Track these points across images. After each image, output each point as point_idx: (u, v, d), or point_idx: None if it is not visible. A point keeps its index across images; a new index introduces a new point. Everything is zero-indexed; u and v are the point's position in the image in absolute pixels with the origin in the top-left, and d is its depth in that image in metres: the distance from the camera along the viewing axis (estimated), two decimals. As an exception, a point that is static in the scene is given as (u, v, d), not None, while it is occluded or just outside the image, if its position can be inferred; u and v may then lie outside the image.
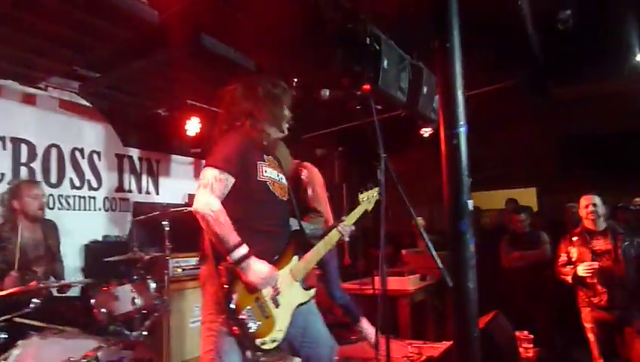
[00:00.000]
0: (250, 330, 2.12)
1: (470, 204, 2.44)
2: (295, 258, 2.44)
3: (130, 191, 5.93)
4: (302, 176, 3.95)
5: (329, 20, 3.55)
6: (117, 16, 3.65)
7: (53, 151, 5.13)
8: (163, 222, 3.65)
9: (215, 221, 2.12)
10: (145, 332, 3.42)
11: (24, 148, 4.86)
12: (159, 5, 3.54)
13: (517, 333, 3.98)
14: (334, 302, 4.25)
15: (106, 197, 5.62)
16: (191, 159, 6.84)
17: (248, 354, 2.20)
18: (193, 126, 5.72)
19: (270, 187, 2.40)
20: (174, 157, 6.62)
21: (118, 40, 4.07)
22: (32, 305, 3.10)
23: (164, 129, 5.93)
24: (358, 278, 5.84)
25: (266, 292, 2.25)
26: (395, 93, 4.06)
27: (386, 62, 3.74)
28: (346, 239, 2.64)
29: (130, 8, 3.48)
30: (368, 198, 2.78)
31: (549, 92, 6.50)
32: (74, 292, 4.32)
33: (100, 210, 5.53)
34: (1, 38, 3.91)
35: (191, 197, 6.42)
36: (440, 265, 2.27)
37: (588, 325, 4.12)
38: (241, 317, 2.11)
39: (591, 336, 4.12)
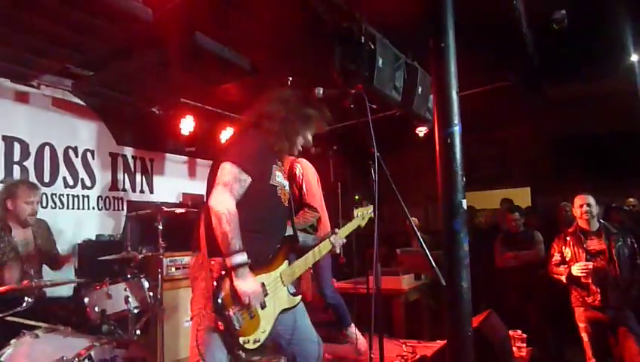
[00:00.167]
0: (235, 328, 2.13)
1: (464, 203, 2.45)
2: (286, 262, 2.46)
3: (124, 190, 5.91)
4: (296, 172, 3.96)
5: (324, 19, 3.55)
6: (111, 15, 3.63)
7: (47, 150, 5.10)
8: (156, 222, 3.64)
9: (228, 222, 2.13)
10: (138, 331, 3.40)
11: (17, 146, 4.83)
12: (153, 3, 3.52)
13: (510, 332, 3.99)
14: (325, 301, 4.26)
15: (100, 196, 5.60)
16: (185, 158, 6.82)
17: (236, 352, 2.21)
18: (187, 125, 5.70)
19: (278, 192, 2.43)
20: (168, 155, 6.61)
21: (111, 38, 4.06)
22: (24, 304, 3.08)
23: (159, 128, 5.91)
24: (352, 277, 5.84)
25: None
26: (389, 93, 4.06)
27: (380, 62, 3.75)
28: (337, 251, 2.69)
29: (124, 6, 3.46)
30: (362, 215, 2.86)
31: (544, 92, 6.53)
32: (67, 291, 4.30)
33: (93, 208, 5.51)
34: (-6, 36, 3.89)
35: (185, 196, 6.41)
36: (433, 265, 2.27)
37: (581, 324, 4.14)
38: (227, 313, 2.12)
39: (584, 336, 4.13)
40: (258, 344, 2.23)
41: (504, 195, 7.18)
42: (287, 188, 2.52)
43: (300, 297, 2.51)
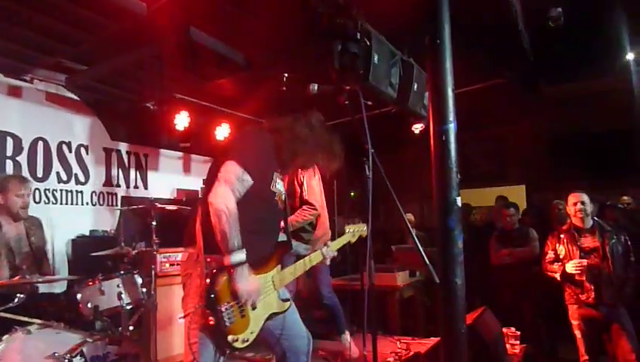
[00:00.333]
0: (225, 324, 2.12)
1: (459, 200, 2.44)
2: (278, 267, 2.47)
3: (118, 185, 5.88)
4: (299, 171, 3.97)
5: (319, 15, 3.53)
6: (104, 8, 3.60)
7: (40, 145, 5.07)
8: (150, 217, 3.62)
9: (227, 220, 2.12)
10: (131, 328, 3.39)
11: (10, 141, 4.80)
12: (147, -3, 3.50)
13: (504, 329, 4.00)
14: (321, 300, 4.27)
15: (94, 192, 5.57)
16: (180, 153, 6.80)
17: (225, 350, 2.21)
18: (182, 120, 5.68)
19: (277, 198, 2.45)
20: (163, 151, 6.58)
21: (105, 32, 4.02)
22: (16, 300, 3.06)
23: (153, 123, 5.89)
24: (347, 274, 5.85)
25: None
26: (385, 89, 4.04)
27: (376, 58, 3.72)
28: (327, 262, 2.78)
29: (118, 0, 3.43)
30: (353, 232, 3.01)
31: (540, 90, 6.54)
32: (60, 287, 4.28)
33: (87, 204, 5.48)
34: (-14, 29, 3.86)
35: (180, 192, 6.39)
36: (427, 261, 2.27)
37: (575, 322, 4.15)
38: (219, 308, 2.11)
39: (578, 333, 4.14)
40: (246, 344, 2.22)
41: (500, 193, 7.19)
42: (284, 195, 2.54)
43: (289, 303, 2.52)
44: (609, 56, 5.68)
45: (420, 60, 4.24)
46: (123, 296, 3.37)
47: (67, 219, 5.14)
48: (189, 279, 2.31)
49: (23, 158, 4.88)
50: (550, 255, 4.24)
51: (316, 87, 2.48)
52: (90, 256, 3.75)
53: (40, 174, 5.03)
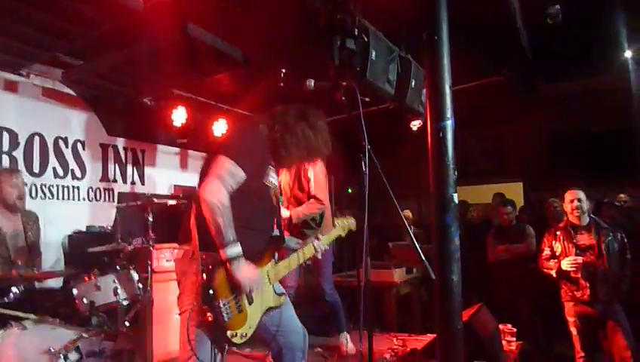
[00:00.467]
0: (224, 320, 2.12)
1: (455, 197, 2.44)
2: (273, 261, 2.47)
3: (114, 181, 5.86)
4: (306, 166, 4.01)
5: (317, 10, 3.52)
6: (101, 3, 3.58)
7: (36, 140, 5.04)
8: (147, 213, 3.60)
9: (221, 214, 2.13)
10: (127, 323, 3.38)
11: (6, 136, 4.77)
12: (144, -7, 3.48)
13: (500, 326, 4.01)
14: (323, 296, 4.29)
15: (90, 187, 5.55)
16: (177, 149, 6.78)
17: (224, 345, 2.21)
18: (179, 116, 5.66)
19: (270, 192, 2.45)
20: (160, 147, 6.56)
21: (102, 27, 4.00)
22: (11, 295, 3.06)
23: (150, 119, 5.86)
24: (344, 271, 5.85)
25: None
26: (382, 86, 4.04)
27: (374, 54, 3.72)
28: (319, 256, 2.77)
29: (114, -5, 3.42)
30: (343, 225, 3.01)
31: (538, 88, 6.54)
32: (56, 282, 4.27)
33: (83, 199, 5.47)
34: (-19, 24, 3.83)
35: (177, 188, 6.38)
36: (423, 258, 2.26)
37: (571, 319, 4.16)
38: (217, 304, 2.11)
39: (573, 330, 4.16)
40: (245, 339, 2.23)
41: (497, 190, 7.20)
42: (277, 189, 2.54)
43: (284, 297, 2.53)
44: (607, 55, 5.68)
45: (418, 57, 4.24)
46: (119, 291, 3.36)
47: (63, 215, 5.13)
48: (184, 276, 2.30)
49: (19, 153, 4.86)
50: (546, 252, 4.25)
51: (313, 83, 2.47)
52: (87, 251, 3.73)
53: (36, 169, 5.01)
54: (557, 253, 4.16)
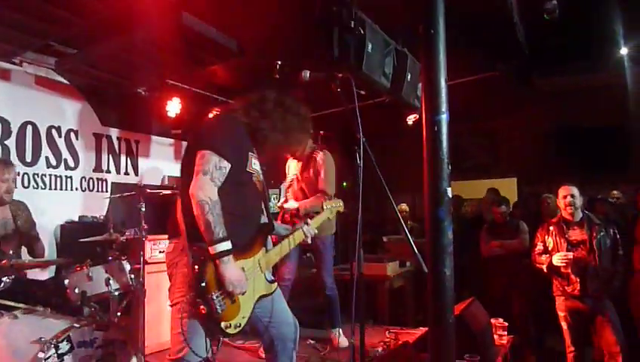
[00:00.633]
0: (217, 312, 2.12)
1: (449, 191, 2.44)
2: (263, 249, 2.47)
3: (108, 171, 5.83)
4: (317, 158, 4.11)
5: (314, 2, 3.49)
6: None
7: (29, 129, 5.00)
8: (140, 204, 3.59)
9: (210, 210, 2.12)
10: (119, 314, 3.37)
11: (-2, 124, 4.73)
12: (139, -20, 3.44)
13: (492, 320, 4.03)
14: (324, 289, 4.32)
15: (83, 177, 5.52)
16: (171, 140, 6.74)
17: (218, 337, 2.21)
18: (174, 107, 5.62)
19: (254, 179, 2.43)
20: (154, 138, 6.52)
21: (95, 15, 3.96)
22: (2, 284, 3.04)
23: (145, 109, 5.82)
24: (337, 264, 5.85)
25: None
26: (378, 79, 4.03)
27: (370, 47, 3.70)
28: (308, 241, 2.77)
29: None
30: (331, 208, 3.00)
31: (534, 83, 6.54)
32: (48, 272, 4.25)
33: (76, 189, 5.43)
34: (-27, 10, 3.77)
35: (170, 179, 6.35)
36: (416, 251, 2.26)
37: (561, 313, 4.19)
38: (210, 296, 2.10)
39: (564, 325, 4.19)
40: (239, 329, 2.23)
41: (491, 185, 7.22)
42: (261, 176, 2.53)
43: (276, 284, 2.53)
44: (603, 51, 5.68)
45: (415, 50, 4.23)
46: (111, 281, 3.35)
47: (56, 205, 5.10)
48: (175, 268, 2.30)
49: (11, 142, 4.82)
50: (539, 247, 4.27)
51: (308, 75, 2.46)
52: (79, 241, 3.71)
53: (29, 159, 4.97)
54: (549, 248, 4.19)
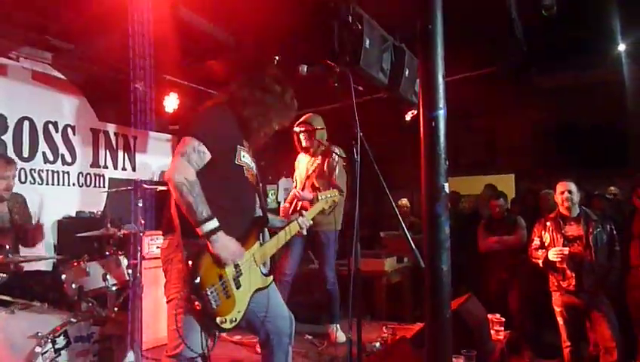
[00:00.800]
0: (212, 307, 2.12)
1: (446, 186, 2.44)
2: (258, 243, 2.47)
3: (105, 167, 5.82)
4: (334, 155, 4.15)
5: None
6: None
7: (26, 124, 4.98)
8: (137, 199, 3.59)
9: (189, 191, 2.11)
10: (116, 309, 3.37)
11: (-6, 120, 4.72)
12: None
13: (489, 316, 4.04)
14: (325, 284, 4.32)
15: (80, 173, 5.51)
16: (169, 136, 6.73)
17: (213, 332, 2.21)
18: (171, 102, 5.60)
19: (245, 172, 2.42)
20: (152, 133, 6.50)
21: (92, 10, 3.94)
22: (-1, 280, 3.04)
23: (142, 104, 5.79)
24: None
25: (230, 272, 2.26)
26: (376, 74, 4.03)
27: (367, 42, 3.70)
28: (304, 233, 2.75)
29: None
30: (326, 198, 2.97)
31: (532, 80, 6.54)
32: (45, 267, 4.24)
33: (73, 185, 5.42)
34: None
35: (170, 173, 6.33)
36: (413, 247, 2.27)
37: (557, 309, 4.21)
38: (204, 292, 2.10)
39: (560, 320, 4.21)
40: (234, 324, 2.23)
41: (489, 182, 7.22)
42: (254, 169, 2.51)
43: (271, 277, 2.53)
44: (601, 48, 5.69)
45: (412, 47, 4.22)
46: (108, 277, 3.35)
47: (53, 200, 5.07)
48: (170, 265, 2.30)
49: (8, 138, 4.80)
50: (536, 242, 4.29)
51: (305, 69, 2.45)
52: (77, 236, 3.71)
53: (26, 154, 4.96)
54: (546, 243, 4.20)
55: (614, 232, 4.11)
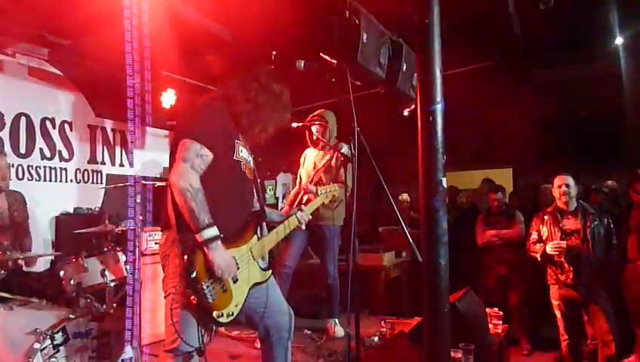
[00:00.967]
0: (208, 301, 2.12)
1: (444, 181, 2.44)
2: (255, 237, 2.46)
3: (103, 163, 5.81)
4: (344, 152, 4.05)
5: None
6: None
7: (23, 121, 4.97)
8: (135, 195, 3.58)
9: (192, 197, 2.11)
10: (114, 305, 3.38)
11: (-9, 116, 4.71)
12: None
13: (487, 310, 4.05)
14: (327, 278, 4.33)
15: (78, 169, 5.50)
16: (166, 132, 6.71)
17: (210, 326, 2.21)
18: (168, 98, 5.59)
19: (242, 167, 2.42)
20: (149, 129, 6.47)
21: (88, 5, 3.92)
22: (-3, 277, 3.04)
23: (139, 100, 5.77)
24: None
25: None
26: (374, 69, 4.01)
27: (365, 37, 3.69)
28: (303, 227, 2.74)
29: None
30: (326, 193, 2.97)
31: (529, 74, 6.53)
32: (43, 264, 4.24)
33: (71, 181, 5.42)
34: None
35: (166, 170, 6.32)
36: (410, 241, 2.27)
37: (555, 302, 4.22)
38: (200, 286, 2.11)
39: (558, 313, 4.22)
40: (231, 318, 2.23)
41: (487, 176, 7.22)
42: (251, 163, 2.51)
43: (270, 271, 2.53)
44: (598, 42, 5.68)
45: (411, 41, 4.21)
46: (106, 273, 3.36)
47: (51, 196, 5.08)
48: (167, 260, 2.30)
49: (5, 134, 4.79)
50: (534, 236, 4.30)
51: (303, 64, 2.45)
52: (74, 233, 3.71)
53: (23, 150, 4.95)
54: (543, 237, 4.21)
55: (612, 226, 4.12)
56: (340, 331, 4.33)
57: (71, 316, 2.88)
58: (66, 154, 5.38)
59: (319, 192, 2.95)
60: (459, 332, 2.96)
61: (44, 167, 5.14)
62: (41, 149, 5.12)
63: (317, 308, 4.82)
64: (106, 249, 3.48)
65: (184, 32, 4.25)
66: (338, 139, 4.33)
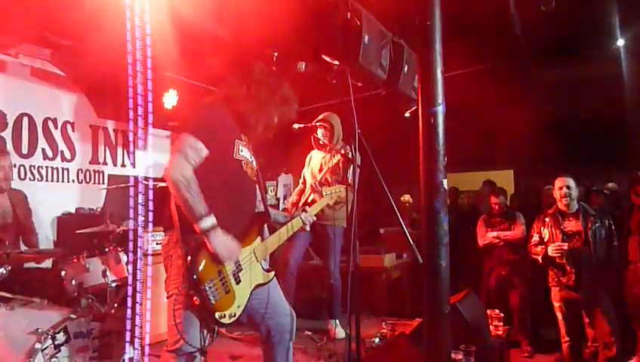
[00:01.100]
0: (211, 302, 2.13)
1: (445, 182, 2.45)
2: (258, 239, 2.47)
3: (104, 163, 5.82)
4: (351, 155, 4.05)
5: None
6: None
7: (25, 121, 4.97)
8: (137, 196, 3.58)
9: (186, 188, 2.12)
10: (116, 305, 3.38)
11: (-6, 116, 4.71)
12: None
13: (488, 311, 4.05)
14: (329, 279, 4.33)
15: (80, 169, 5.50)
16: (168, 132, 6.72)
17: (213, 327, 2.22)
18: (170, 98, 5.60)
19: (244, 166, 2.42)
20: (151, 130, 6.48)
21: (90, 6, 3.93)
22: (-2, 276, 3.04)
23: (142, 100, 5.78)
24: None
25: (229, 268, 2.26)
26: (375, 70, 4.02)
27: (366, 39, 3.70)
28: (307, 228, 2.75)
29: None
30: (331, 194, 2.99)
31: (531, 75, 6.53)
32: (45, 263, 4.25)
33: (73, 181, 5.42)
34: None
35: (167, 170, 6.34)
36: (411, 242, 2.27)
37: (557, 304, 4.22)
38: (203, 288, 2.11)
39: (559, 315, 4.22)
40: (234, 319, 2.24)
41: (488, 177, 7.22)
42: (253, 162, 2.51)
43: (273, 273, 2.54)
44: (599, 43, 5.68)
45: (412, 43, 4.22)
46: (108, 273, 3.36)
47: (53, 197, 5.08)
48: (170, 261, 2.31)
49: (7, 134, 4.79)
50: (535, 238, 4.30)
51: (304, 66, 2.46)
52: (76, 233, 3.71)
53: (25, 151, 4.95)
54: (545, 239, 4.21)
55: (613, 227, 4.12)
56: (340, 332, 4.33)
57: (72, 316, 2.88)
58: (68, 155, 5.38)
59: (324, 193, 2.97)
60: (459, 334, 2.97)
61: (47, 167, 5.15)
62: (43, 149, 5.12)
63: (317, 309, 4.83)
64: (107, 249, 3.49)
65: (186, 32, 4.25)
66: (344, 141, 4.34)
